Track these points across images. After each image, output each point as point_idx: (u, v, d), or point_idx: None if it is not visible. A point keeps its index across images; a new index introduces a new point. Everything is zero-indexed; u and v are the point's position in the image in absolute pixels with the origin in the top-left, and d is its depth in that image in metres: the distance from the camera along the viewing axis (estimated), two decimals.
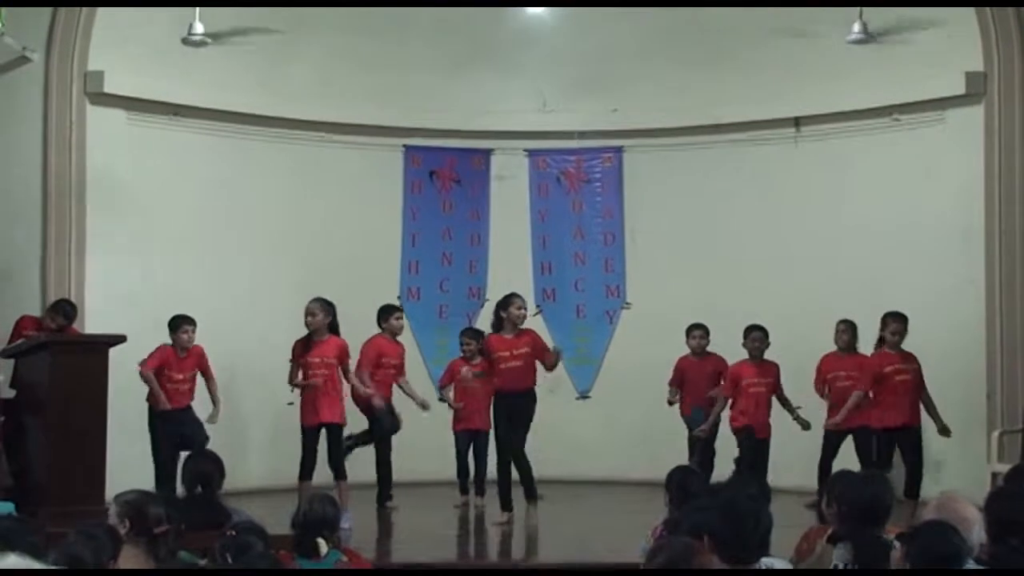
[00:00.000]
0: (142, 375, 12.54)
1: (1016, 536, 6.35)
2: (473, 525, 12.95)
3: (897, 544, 5.75)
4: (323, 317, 12.44)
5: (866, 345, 13.02)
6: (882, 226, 14.53)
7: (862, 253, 14.61)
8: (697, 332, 13.53)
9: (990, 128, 13.68)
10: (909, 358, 12.64)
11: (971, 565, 5.82)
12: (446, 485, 13.72)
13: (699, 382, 13.44)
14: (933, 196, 14.19)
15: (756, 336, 13.12)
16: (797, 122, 15.30)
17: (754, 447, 12.91)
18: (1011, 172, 13.53)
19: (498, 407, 12.51)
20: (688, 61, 15.46)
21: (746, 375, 13.07)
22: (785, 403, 13.16)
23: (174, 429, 12.50)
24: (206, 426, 12.70)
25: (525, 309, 12.57)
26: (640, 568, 6.27)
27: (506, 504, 12.34)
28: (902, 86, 14.35)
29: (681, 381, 13.52)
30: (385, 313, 13.42)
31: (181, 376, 12.73)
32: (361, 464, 13.22)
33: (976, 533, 6.09)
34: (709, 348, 13.59)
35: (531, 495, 12.33)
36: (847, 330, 13.31)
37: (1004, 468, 10.64)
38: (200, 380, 12.96)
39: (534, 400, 12.41)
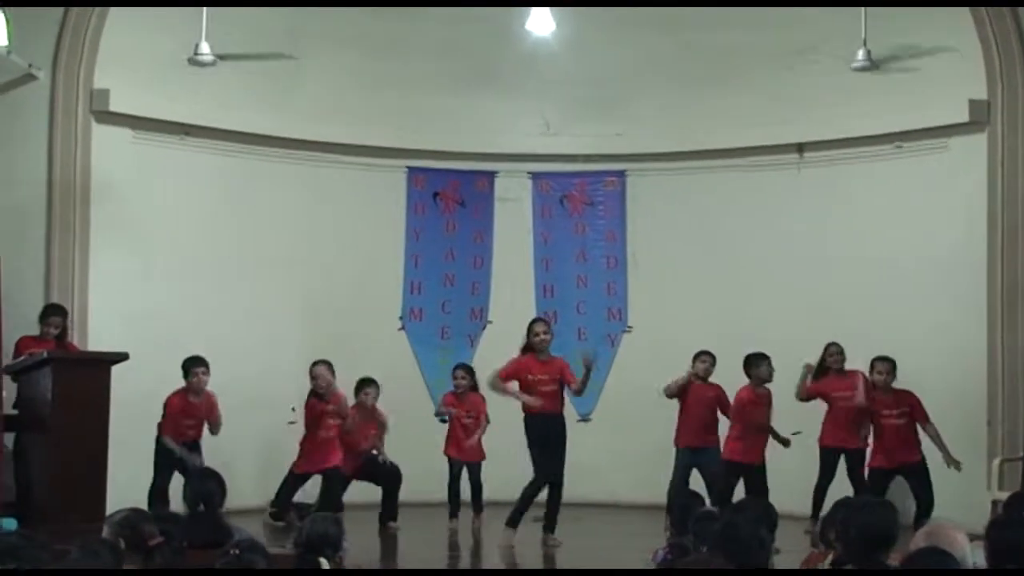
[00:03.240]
0: (165, 442, 12.75)
1: (1017, 562, 6.37)
2: (470, 547, 12.95)
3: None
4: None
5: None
6: (884, 253, 14.54)
7: (864, 279, 14.62)
8: (706, 358, 13.51)
9: (993, 156, 13.70)
10: (901, 399, 12.90)
11: None
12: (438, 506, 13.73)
13: (698, 407, 13.42)
14: (936, 223, 14.20)
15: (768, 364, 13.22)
16: (800, 148, 15.33)
17: (757, 476, 12.97)
18: (1014, 200, 13.55)
19: (534, 429, 12.46)
20: (692, 86, 15.50)
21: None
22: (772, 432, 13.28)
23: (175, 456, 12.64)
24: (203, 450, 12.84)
25: (547, 335, 12.58)
26: None
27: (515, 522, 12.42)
28: (906, 113, 14.38)
29: (682, 401, 13.48)
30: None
31: (191, 421, 12.89)
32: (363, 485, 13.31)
33: (968, 558, 6.10)
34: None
35: (552, 526, 12.42)
36: (840, 352, 13.43)
37: (1005, 496, 10.65)
38: None
39: (564, 424, 12.59)
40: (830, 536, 7.06)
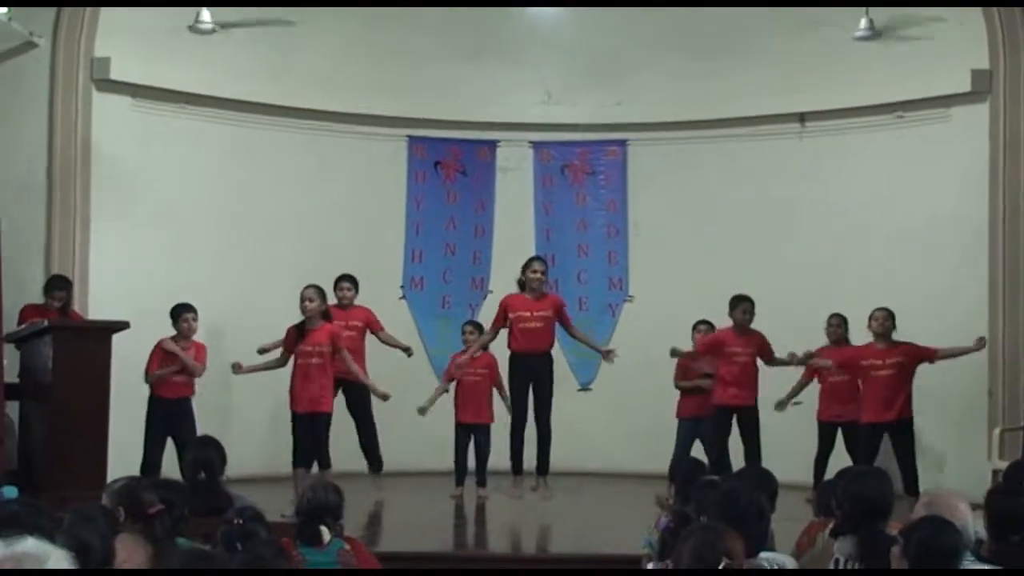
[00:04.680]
0: (151, 383, 12.58)
1: (1017, 532, 6.38)
2: (473, 516, 12.95)
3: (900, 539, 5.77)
4: (319, 304, 12.41)
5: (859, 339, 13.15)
6: (886, 222, 14.54)
7: (865, 248, 14.63)
8: (702, 327, 13.53)
9: (995, 125, 13.69)
10: (893, 350, 12.68)
11: (969, 559, 5.84)
12: (442, 475, 13.69)
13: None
14: (937, 193, 14.20)
15: (745, 307, 13.19)
16: (802, 117, 15.32)
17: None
18: (1016, 169, 13.55)
19: (515, 369, 12.72)
20: (693, 55, 15.48)
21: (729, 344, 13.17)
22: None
23: (166, 419, 12.45)
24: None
25: (543, 274, 12.82)
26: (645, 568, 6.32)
27: (518, 469, 12.62)
28: (907, 83, 14.37)
29: (685, 367, 13.52)
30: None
31: (177, 368, 12.61)
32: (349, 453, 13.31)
33: (970, 527, 6.11)
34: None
35: (544, 468, 12.48)
36: (839, 324, 13.42)
37: (1005, 465, 10.66)
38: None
39: (551, 362, 12.80)
40: (830, 505, 7.08)
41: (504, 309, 12.95)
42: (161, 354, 12.59)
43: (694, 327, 13.52)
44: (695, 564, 5.08)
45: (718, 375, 13.09)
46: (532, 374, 12.81)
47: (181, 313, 12.68)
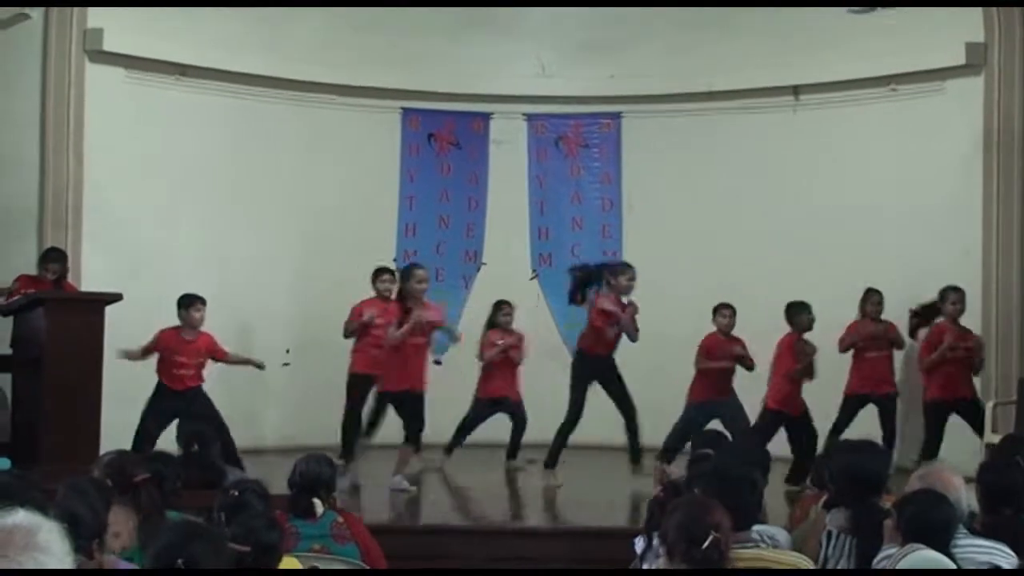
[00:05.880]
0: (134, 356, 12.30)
1: (1009, 505, 6.40)
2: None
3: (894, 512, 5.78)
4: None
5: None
6: (879, 196, 14.52)
7: (859, 221, 14.61)
8: (726, 311, 13.25)
9: (989, 99, 13.67)
10: (968, 335, 12.98)
11: (962, 532, 5.85)
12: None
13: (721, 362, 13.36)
14: (931, 166, 14.19)
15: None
16: (796, 90, 15.30)
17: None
18: (1009, 143, 13.53)
19: (597, 369, 12.76)
20: (687, 27, 15.43)
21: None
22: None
23: (176, 408, 11.99)
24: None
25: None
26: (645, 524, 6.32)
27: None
28: (902, 56, 14.34)
29: (712, 347, 13.30)
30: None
31: (186, 360, 12.22)
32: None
33: (963, 501, 6.12)
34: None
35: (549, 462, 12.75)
36: (880, 301, 13.41)
37: (998, 439, 10.67)
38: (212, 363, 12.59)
39: None
40: (824, 477, 7.10)
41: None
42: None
43: (716, 311, 13.33)
44: (681, 538, 5.08)
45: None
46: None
47: (192, 303, 12.31)
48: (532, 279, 15.60)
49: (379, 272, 13.45)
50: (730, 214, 15.46)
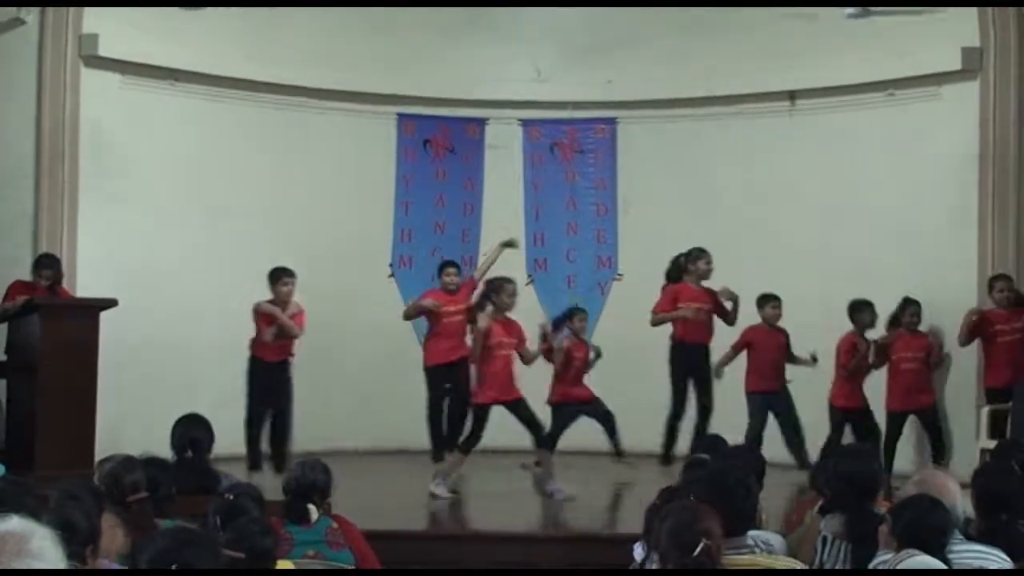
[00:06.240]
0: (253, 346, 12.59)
1: (1004, 511, 6.40)
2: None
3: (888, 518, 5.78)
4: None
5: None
6: (875, 200, 14.53)
7: (855, 227, 14.61)
8: (776, 303, 13.55)
9: (985, 103, 13.67)
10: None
11: (957, 538, 5.85)
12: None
13: (768, 352, 13.53)
14: (927, 171, 14.19)
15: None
16: (792, 95, 15.29)
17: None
18: (1005, 147, 13.53)
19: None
20: (683, 33, 15.44)
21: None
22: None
23: (265, 383, 12.51)
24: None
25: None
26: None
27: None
28: (898, 61, 14.34)
29: (749, 349, 13.60)
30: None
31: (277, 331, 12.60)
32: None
33: (959, 506, 6.12)
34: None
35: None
36: (915, 314, 13.48)
37: (993, 445, 10.68)
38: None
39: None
40: (819, 482, 7.10)
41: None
42: (266, 317, 12.55)
43: (762, 303, 13.51)
44: (673, 545, 5.05)
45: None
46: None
47: (280, 277, 12.60)
48: (527, 284, 15.56)
49: (445, 266, 13.55)
50: (725, 219, 15.43)
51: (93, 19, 13.70)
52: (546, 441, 12.29)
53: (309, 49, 15.25)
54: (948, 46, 13.84)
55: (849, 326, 13.39)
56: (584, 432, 12.86)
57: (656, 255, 15.32)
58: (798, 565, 5.84)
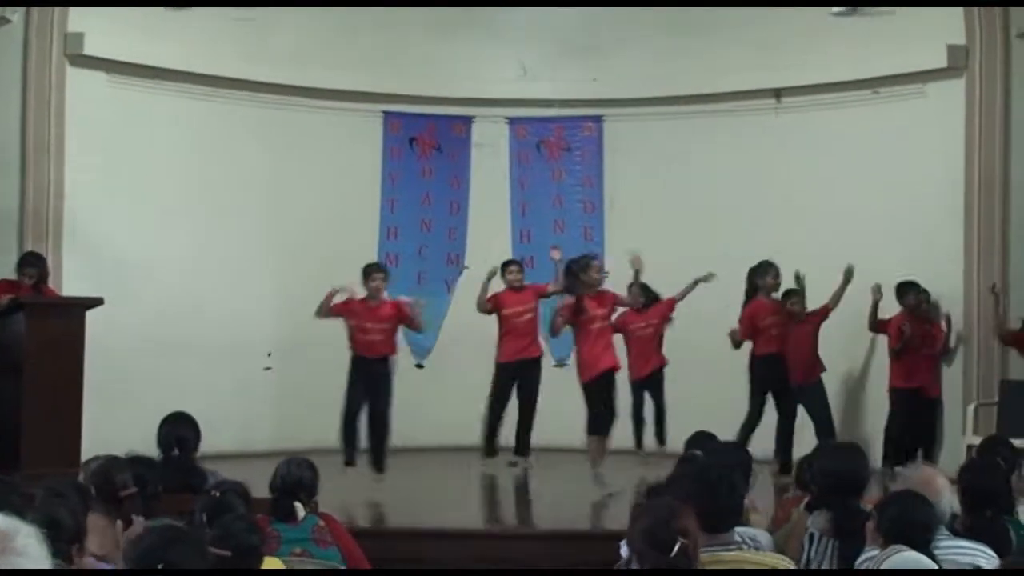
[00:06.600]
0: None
1: (990, 507, 6.41)
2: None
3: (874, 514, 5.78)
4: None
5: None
6: (861, 198, 14.55)
7: (841, 225, 14.63)
8: (796, 299, 13.62)
9: (971, 101, 13.70)
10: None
11: (943, 534, 5.85)
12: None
13: (803, 341, 13.60)
14: (913, 168, 14.21)
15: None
16: (778, 93, 15.31)
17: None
18: (991, 145, 13.55)
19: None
20: (669, 31, 15.46)
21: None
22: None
23: (363, 377, 12.55)
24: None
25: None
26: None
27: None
28: (884, 59, 14.36)
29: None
30: None
31: (371, 326, 12.66)
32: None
33: (946, 502, 6.13)
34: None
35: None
36: (927, 301, 13.64)
37: (979, 440, 10.70)
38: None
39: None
40: (805, 479, 7.10)
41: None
42: (334, 308, 12.65)
43: (786, 298, 13.56)
44: (649, 545, 4.98)
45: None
46: None
47: (370, 273, 12.75)
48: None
49: (508, 264, 13.78)
50: (712, 217, 15.45)
51: (78, 18, 13.68)
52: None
53: (295, 47, 15.25)
54: (933, 44, 13.86)
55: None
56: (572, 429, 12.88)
57: (642, 253, 15.35)
58: (785, 561, 5.84)
